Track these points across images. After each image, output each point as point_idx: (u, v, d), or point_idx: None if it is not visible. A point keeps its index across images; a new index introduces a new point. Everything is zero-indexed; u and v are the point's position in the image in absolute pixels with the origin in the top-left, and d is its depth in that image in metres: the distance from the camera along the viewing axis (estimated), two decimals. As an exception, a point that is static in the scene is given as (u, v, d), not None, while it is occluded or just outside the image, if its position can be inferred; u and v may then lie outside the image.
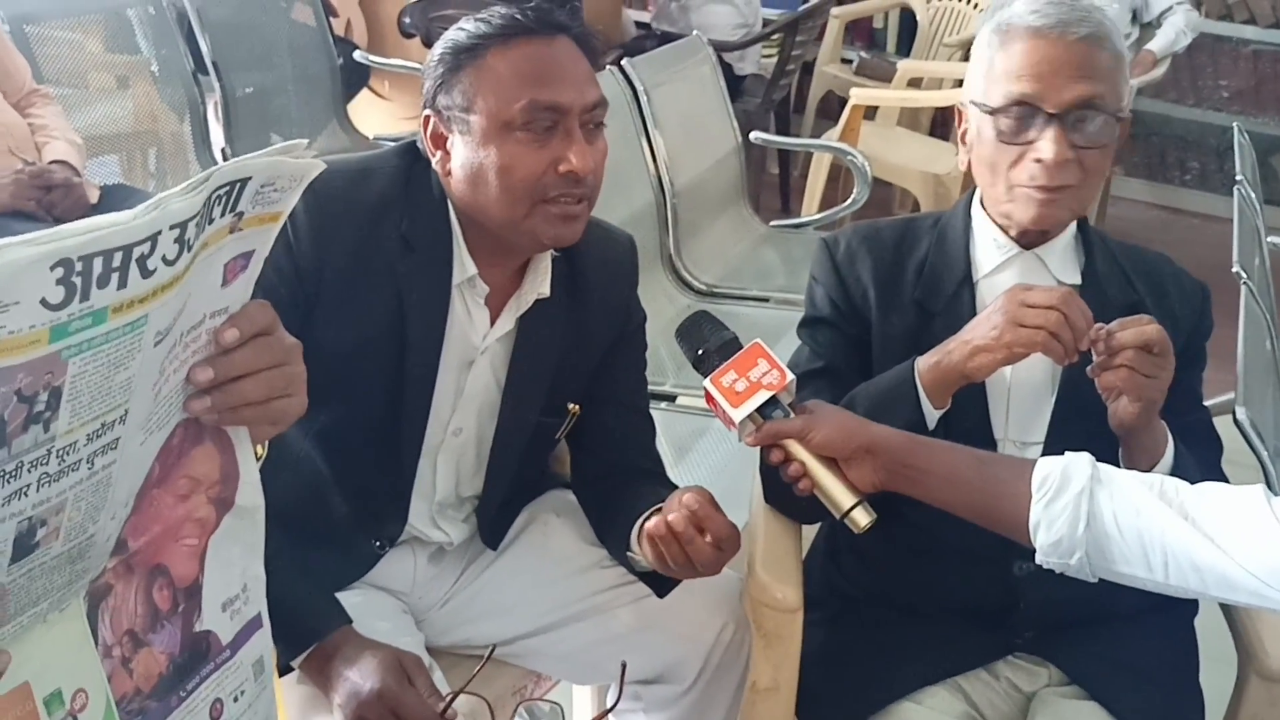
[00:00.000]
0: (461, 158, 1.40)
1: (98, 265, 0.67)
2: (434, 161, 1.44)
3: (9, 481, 0.69)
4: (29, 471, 0.70)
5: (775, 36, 5.11)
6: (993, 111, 1.41)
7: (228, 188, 0.77)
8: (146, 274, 0.71)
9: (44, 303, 0.65)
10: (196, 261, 0.77)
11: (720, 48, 4.01)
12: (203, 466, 0.90)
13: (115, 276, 0.69)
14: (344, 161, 1.49)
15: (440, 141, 1.42)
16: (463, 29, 1.41)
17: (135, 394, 0.76)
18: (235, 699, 0.98)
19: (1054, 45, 1.39)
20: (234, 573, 0.96)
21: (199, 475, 0.90)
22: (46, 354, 0.67)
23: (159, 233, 0.71)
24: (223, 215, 0.78)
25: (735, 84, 4.72)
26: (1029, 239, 1.49)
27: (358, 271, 1.42)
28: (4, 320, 0.64)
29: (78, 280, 0.66)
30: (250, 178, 0.79)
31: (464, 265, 1.45)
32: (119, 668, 0.86)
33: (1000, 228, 1.50)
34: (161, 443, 0.85)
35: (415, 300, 1.44)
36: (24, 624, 0.78)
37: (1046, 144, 1.38)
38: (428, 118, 1.43)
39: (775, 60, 5.06)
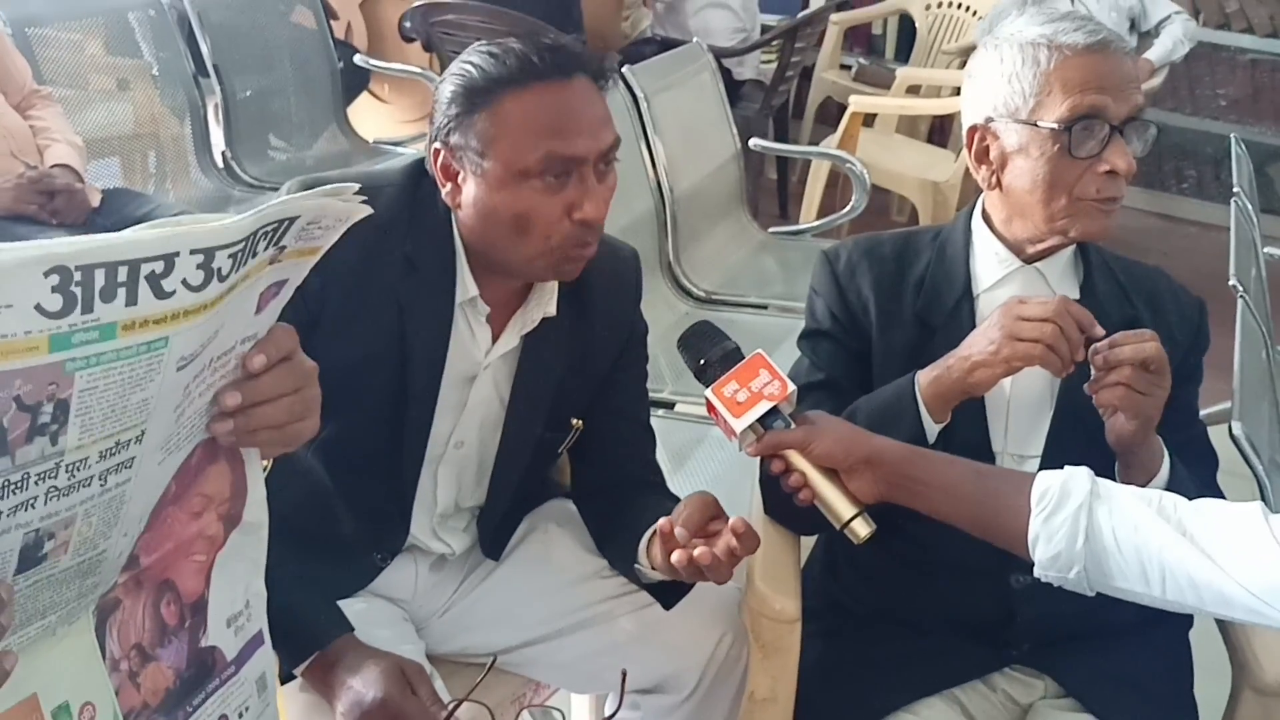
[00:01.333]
0: (473, 196, 1.39)
1: (100, 277, 0.67)
2: (443, 193, 1.42)
3: (15, 492, 0.69)
4: (36, 484, 0.70)
5: (775, 42, 5.12)
6: (1064, 127, 1.39)
7: (275, 225, 0.78)
8: (162, 294, 0.71)
9: (40, 309, 0.65)
10: (234, 294, 0.77)
11: (720, 54, 4.02)
12: (215, 484, 0.91)
13: (122, 291, 0.69)
14: (350, 177, 1.48)
15: (451, 175, 1.41)
16: (475, 65, 1.37)
17: (154, 415, 0.76)
18: (240, 715, 0.98)
19: (1109, 60, 1.40)
20: (238, 589, 0.97)
21: (211, 493, 0.90)
22: (47, 363, 0.67)
23: (176, 254, 0.71)
24: (266, 249, 0.79)
25: (734, 89, 4.73)
26: (1040, 254, 1.49)
27: (360, 289, 1.42)
28: None
29: (77, 290, 0.66)
30: (298, 216, 0.79)
31: (466, 286, 1.46)
32: (126, 681, 0.87)
33: (1007, 244, 1.50)
34: (180, 462, 0.85)
35: (417, 319, 1.45)
36: (31, 636, 0.79)
37: (1119, 156, 1.39)
38: (437, 151, 1.40)
39: (774, 66, 5.07)
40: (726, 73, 4.38)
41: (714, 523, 1.35)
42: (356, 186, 0.84)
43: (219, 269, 0.74)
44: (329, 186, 0.83)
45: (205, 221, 0.73)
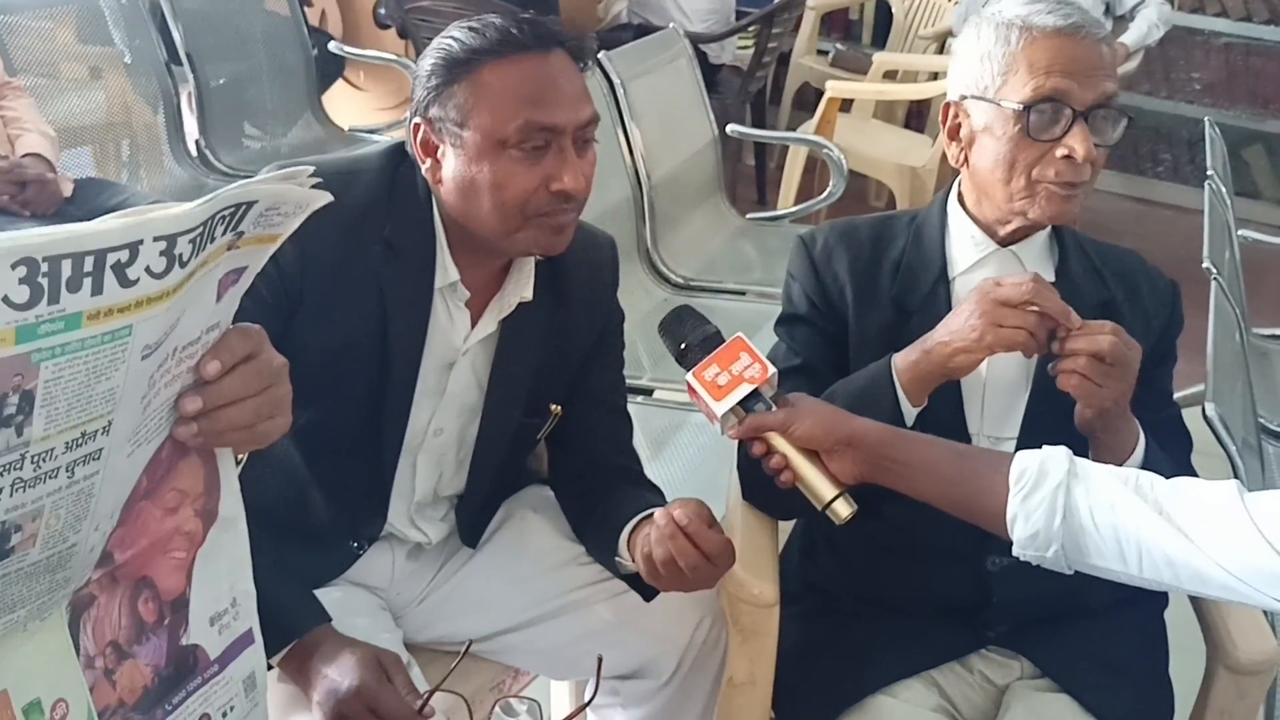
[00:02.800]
0: (453, 169, 1.39)
1: (66, 268, 0.67)
2: (423, 169, 1.42)
3: None
4: (1, 475, 0.70)
5: (752, 28, 5.12)
6: (1024, 108, 1.39)
7: (232, 209, 0.77)
8: (126, 283, 0.70)
9: (7, 301, 0.65)
10: (194, 280, 0.76)
11: (696, 39, 4.01)
12: (188, 479, 0.90)
13: (88, 281, 0.68)
14: (329, 163, 1.48)
15: (431, 150, 1.41)
16: (455, 38, 1.38)
17: (120, 406, 0.75)
18: (224, 715, 0.97)
19: (1079, 45, 1.40)
20: (222, 587, 0.96)
21: (185, 487, 0.89)
22: (13, 355, 0.66)
23: (140, 241, 0.70)
24: (224, 234, 0.78)
25: (711, 74, 4.72)
26: (1013, 237, 1.49)
27: (340, 274, 1.41)
28: None
29: (44, 281, 0.66)
30: (256, 201, 0.79)
31: (446, 270, 1.45)
32: (101, 679, 0.86)
33: (980, 226, 1.50)
34: (150, 455, 0.84)
35: (397, 304, 1.44)
36: (0, 631, 0.78)
37: (1077, 141, 1.39)
38: (417, 125, 1.40)
39: (751, 52, 5.07)
40: (703, 57, 4.37)
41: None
42: (311, 170, 0.83)
43: (180, 255, 0.73)
44: (285, 172, 0.82)
45: (170, 208, 0.72)
